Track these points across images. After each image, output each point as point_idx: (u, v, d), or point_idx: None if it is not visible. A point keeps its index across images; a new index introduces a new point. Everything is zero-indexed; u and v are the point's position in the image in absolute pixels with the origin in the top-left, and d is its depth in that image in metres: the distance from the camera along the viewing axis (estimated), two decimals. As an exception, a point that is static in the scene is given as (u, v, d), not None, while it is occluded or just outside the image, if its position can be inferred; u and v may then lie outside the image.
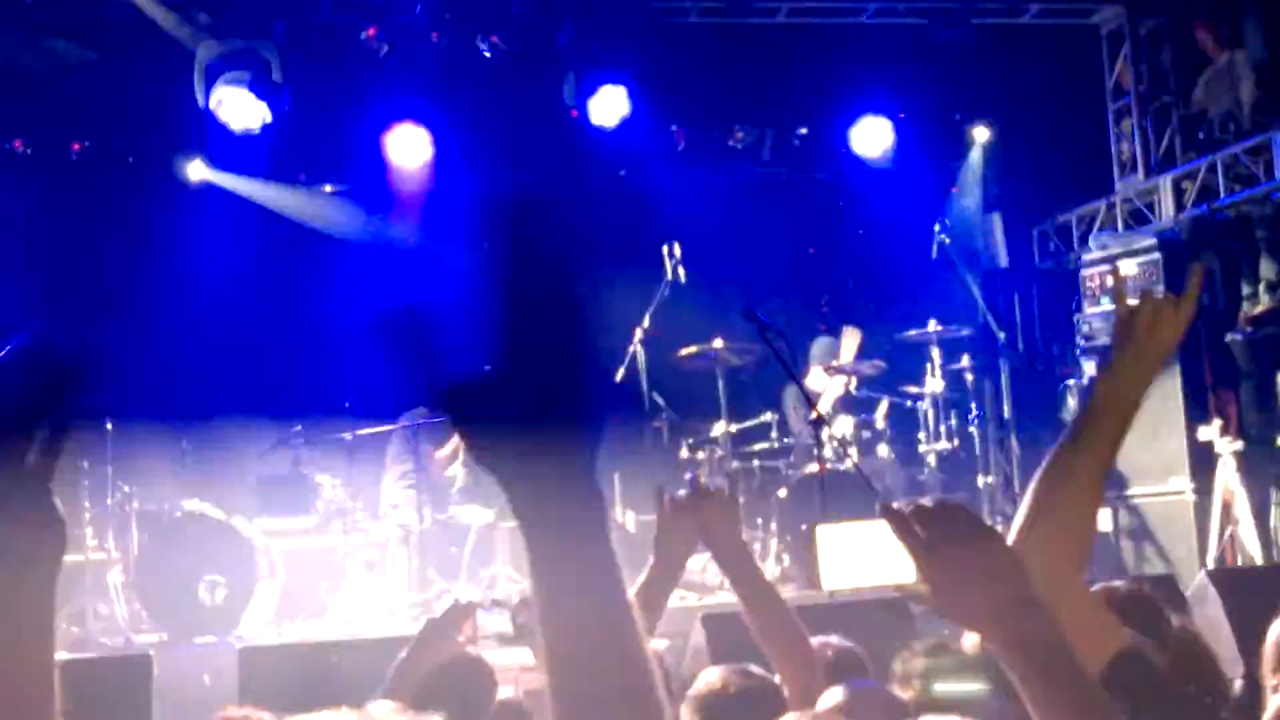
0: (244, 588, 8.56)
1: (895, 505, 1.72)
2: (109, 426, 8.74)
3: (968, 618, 1.72)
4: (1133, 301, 2.34)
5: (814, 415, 8.94)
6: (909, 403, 10.40)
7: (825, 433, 9.25)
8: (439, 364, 1.23)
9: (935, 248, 10.69)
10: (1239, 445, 9.44)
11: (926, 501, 1.72)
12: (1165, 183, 11.03)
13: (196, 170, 10.83)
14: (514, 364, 1.20)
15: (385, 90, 10.55)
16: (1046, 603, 1.83)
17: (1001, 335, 10.84)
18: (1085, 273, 10.46)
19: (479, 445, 1.23)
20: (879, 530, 1.71)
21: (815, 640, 3.58)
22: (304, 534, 9.37)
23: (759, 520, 9.62)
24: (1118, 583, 3.39)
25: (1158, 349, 2.29)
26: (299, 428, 9.58)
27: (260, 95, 9.93)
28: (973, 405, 10.45)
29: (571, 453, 1.21)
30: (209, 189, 10.89)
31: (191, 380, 10.35)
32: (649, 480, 10.74)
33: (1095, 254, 10.50)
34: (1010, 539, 2.16)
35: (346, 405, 9.79)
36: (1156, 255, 10.11)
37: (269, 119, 10.05)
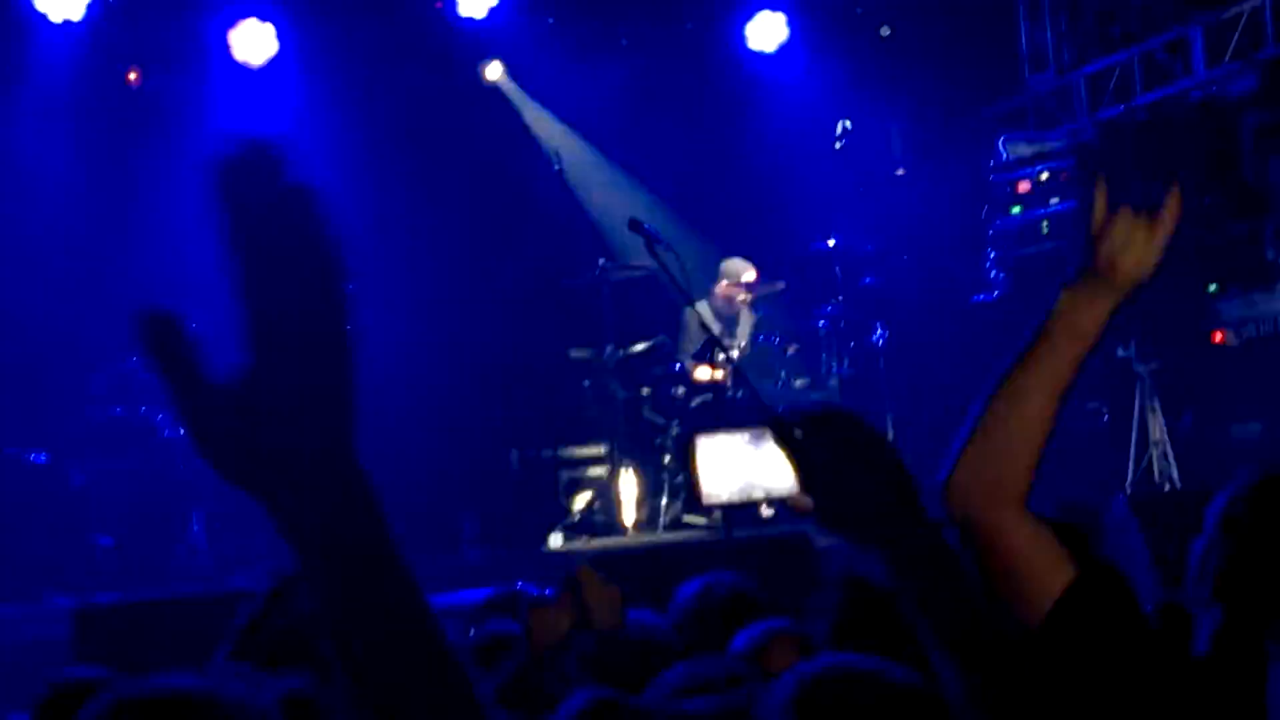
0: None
1: (779, 413, 1.73)
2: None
3: (850, 528, 1.71)
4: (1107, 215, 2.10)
5: (711, 339, 8.27)
6: (819, 324, 9.81)
7: (720, 356, 8.64)
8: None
9: (837, 144, 10.04)
10: (1157, 364, 9.19)
11: (812, 410, 1.74)
12: (1079, 81, 10.59)
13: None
14: (255, 365, 1.05)
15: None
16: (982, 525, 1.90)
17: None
18: (994, 179, 9.94)
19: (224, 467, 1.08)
20: (763, 440, 1.75)
21: (702, 580, 3.45)
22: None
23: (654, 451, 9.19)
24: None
25: (1128, 273, 2.05)
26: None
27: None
28: (879, 324, 9.81)
29: (330, 456, 1.08)
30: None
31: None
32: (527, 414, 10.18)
33: (1005, 160, 9.93)
34: (950, 461, 2.03)
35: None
36: (1069, 159, 9.73)
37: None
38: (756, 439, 1.75)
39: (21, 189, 9.60)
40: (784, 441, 1.69)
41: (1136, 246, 2.05)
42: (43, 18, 9.46)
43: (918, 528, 1.65)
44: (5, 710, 5.54)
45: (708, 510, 8.25)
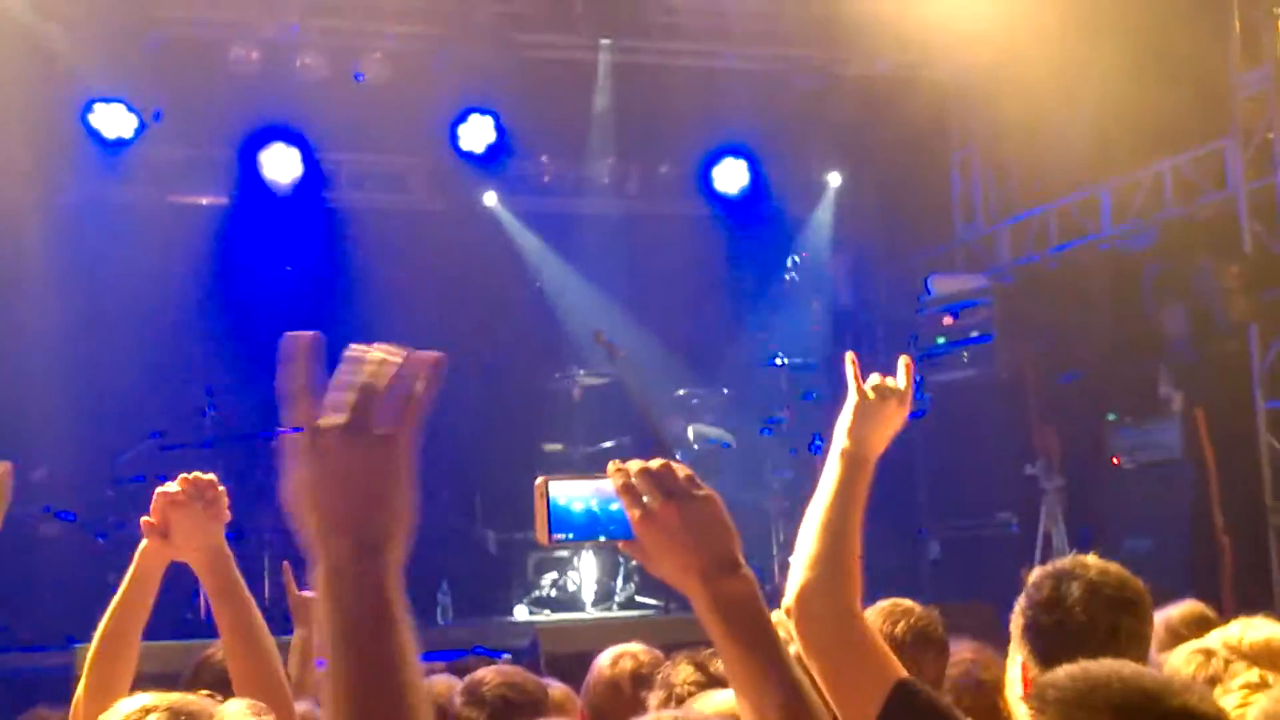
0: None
1: (620, 463, 1.80)
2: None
3: (677, 575, 1.75)
4: (868, 385, 2.65)
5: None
6: (764, 431, 10.82)
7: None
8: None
9: (789, 276, 11.18)
10: (1061, 482, 10.05)
11: (652, 464, 1.77)
12: (1003, 231, 11.63)
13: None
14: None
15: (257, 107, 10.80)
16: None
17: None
18: (923, 314, 10.97)
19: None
20: (607, 490, 1.81)
21: (611, 652, 3.82)
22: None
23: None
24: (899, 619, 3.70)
25: (890, 428, 2.62)
26: (155, 438, 9.75)
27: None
28: (817, 435, 10.88)
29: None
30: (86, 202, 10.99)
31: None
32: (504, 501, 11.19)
33: (933, 296, 11.02)
34: (792, 589, 2.40)
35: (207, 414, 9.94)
36: (989, 299, 10.70)
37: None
38: (602, 489, 1.84)
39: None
40: (623, 492, 1.78)
41: (896, 407, 2.62)
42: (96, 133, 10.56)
43: (737, 582, 1.74)
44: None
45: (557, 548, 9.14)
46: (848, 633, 2.37)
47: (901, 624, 3.67)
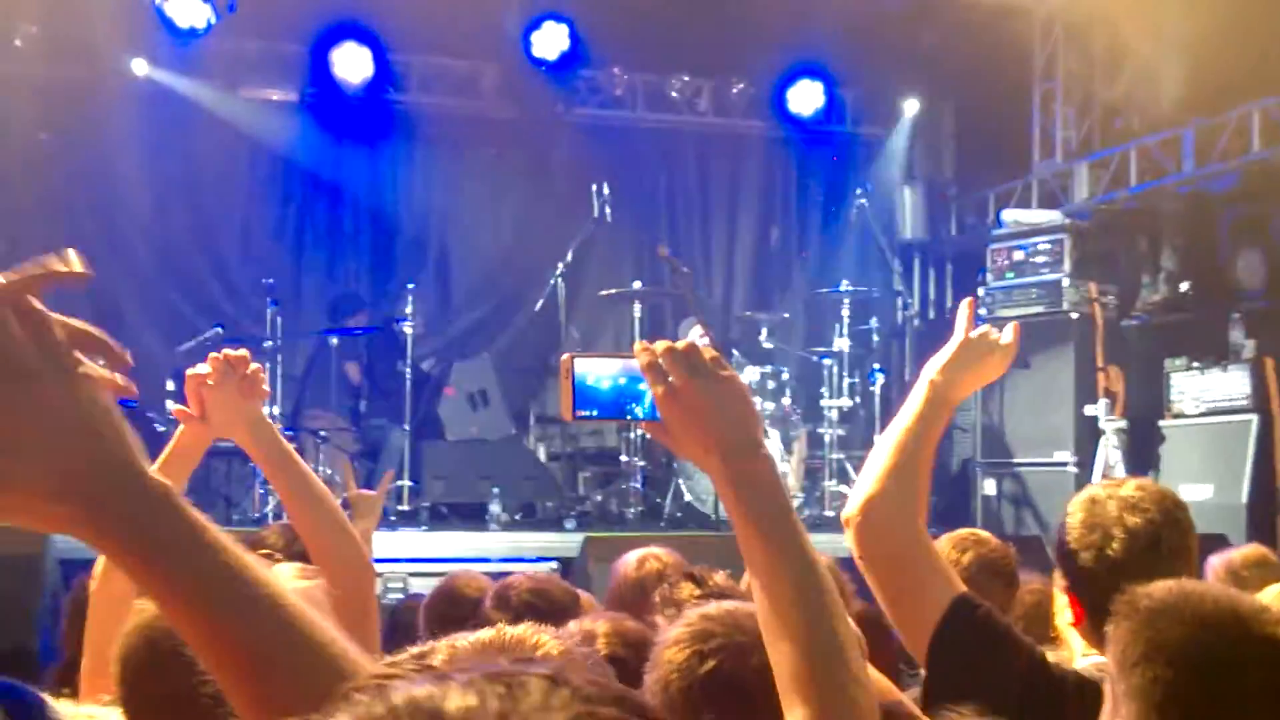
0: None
1: (647, 342, 1.79)
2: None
3: (698, 454, 1.75)
4: (975, 332, 2.60)
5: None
6: (815, 358, 10.76)
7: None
8: None
9: (854, 211, 11.08)
10: (1122, 423, 9.93)
11: (679, 343, 1.76)
12: (1081, 168, 11.39)
13: (140, 68, 10.92)
14: None
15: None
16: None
17: (913, 302, 11.22)
18: (993, 248, 10.84)
19: None
20: (633, 369, 1.80)
21: (635, 555, 3.85)
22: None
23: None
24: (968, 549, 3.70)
25: (981, 379, 2.59)
26: (218, 329, 9.84)
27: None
28: (876, 365, 10.82)
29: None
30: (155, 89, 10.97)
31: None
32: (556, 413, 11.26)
33: (1005, 230, 10.88)
34: (856, 499, 2.41)
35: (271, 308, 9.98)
36: (1062, 236, 10.54)
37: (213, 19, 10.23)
38: (629, 368, 1.82)
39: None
40: (648, 371, 1.75)
41: (996, 358, 2.56)
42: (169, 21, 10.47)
43: (758, 461, 1.73)
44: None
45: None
46: (911, 545, 2.38)
47: (970, 553, 3.66)
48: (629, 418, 1.87)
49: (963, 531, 3.91)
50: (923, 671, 2.44)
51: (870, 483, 2.41)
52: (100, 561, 2.56)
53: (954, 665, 2.32)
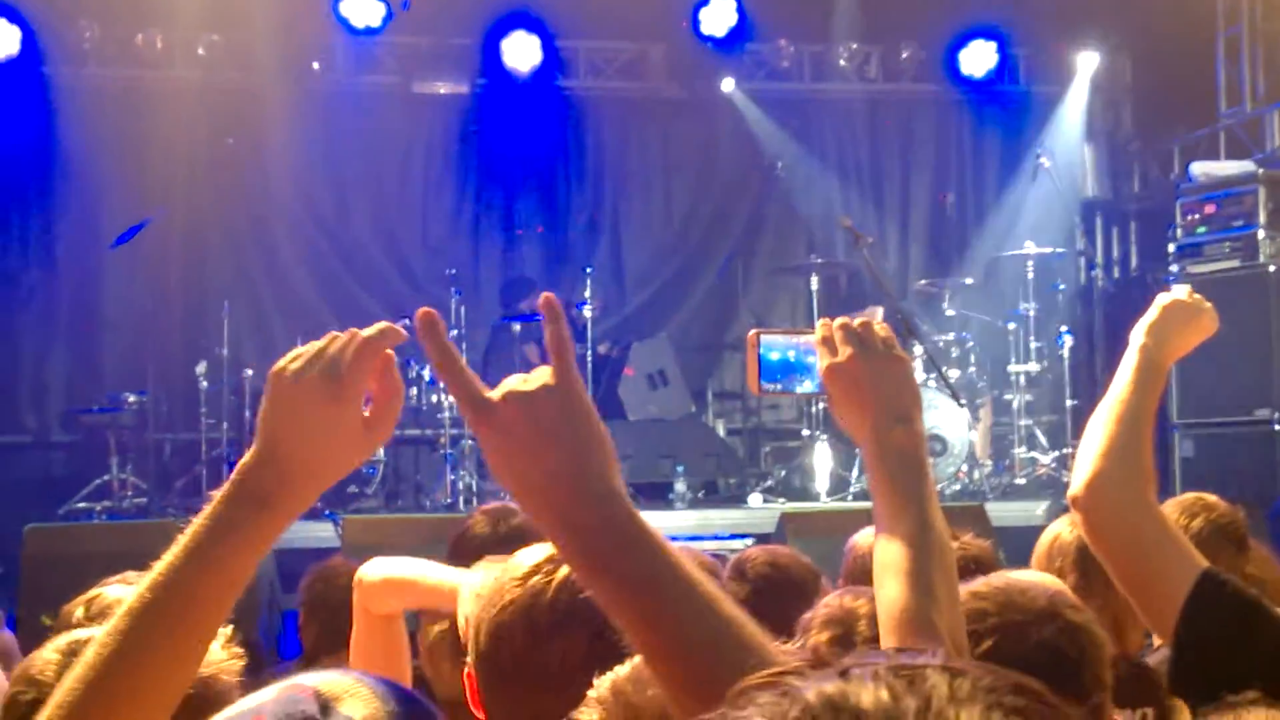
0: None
1: (829, 320, 1.88)
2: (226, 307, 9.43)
3: (855, 425, 1.83)
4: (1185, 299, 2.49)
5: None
6: (1000, 323, 10.57)
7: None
8: None
9: (1034, 170, 10.85)
10: None
11: (855, 321, 1.84)
12: (1272, 115, 11.00)
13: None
14: None
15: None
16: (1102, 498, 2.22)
17: (1098, 262, 10.93)
18: (1183, 201, 10.51)
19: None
20: (810, 346, 1.89)
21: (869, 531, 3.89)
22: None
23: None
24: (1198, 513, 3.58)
25: (1191, 340, 2.47)
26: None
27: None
28: (1063, 328, 10.58)
29: None
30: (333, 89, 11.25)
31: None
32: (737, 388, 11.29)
33: (1194, 184, 10.54)
34: (1080, 478, 2.31)
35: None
36: (1256, 186, 10.16)
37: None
38: (808, 345, 1.91)
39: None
40: (822, 345, 1.84)
41: (1203, 320, 2.44)
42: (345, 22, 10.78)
43: (910, 437, 1.79)
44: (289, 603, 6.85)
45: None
46: (1144, 523, 2.28)
47: (1200, 519, 3.53)
48: (798, 391, 1.96)
49: (1189, 496, 3.78)
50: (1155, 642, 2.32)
51: (1091, 460, 2.30)
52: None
53: (1205, 641, 2.23)
